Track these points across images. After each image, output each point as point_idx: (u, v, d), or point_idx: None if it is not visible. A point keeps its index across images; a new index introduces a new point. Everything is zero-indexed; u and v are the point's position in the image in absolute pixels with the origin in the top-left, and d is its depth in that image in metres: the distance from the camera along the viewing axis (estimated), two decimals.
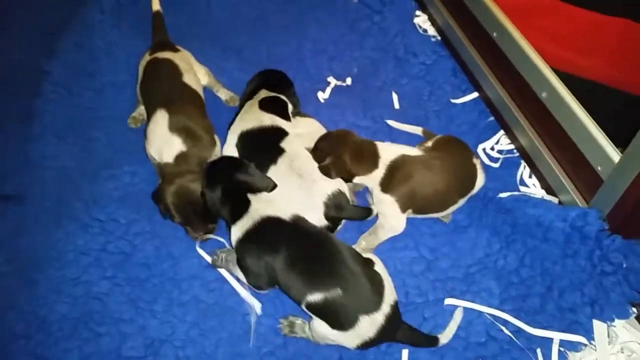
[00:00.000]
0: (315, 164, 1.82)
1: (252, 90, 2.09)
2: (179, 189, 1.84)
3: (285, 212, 1.65)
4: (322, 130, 2.04)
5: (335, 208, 1.77)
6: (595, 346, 1.63)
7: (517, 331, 1.69)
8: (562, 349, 1.65)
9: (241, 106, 2.09)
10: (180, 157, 1.91)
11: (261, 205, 1.66)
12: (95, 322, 1.77)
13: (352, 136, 1.86)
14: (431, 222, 1.94)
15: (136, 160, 2.11)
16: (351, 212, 1.82)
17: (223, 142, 2.02)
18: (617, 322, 1.66)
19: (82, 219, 1.98)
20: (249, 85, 2.15)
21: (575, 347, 1.65)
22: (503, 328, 1.69)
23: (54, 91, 2.40)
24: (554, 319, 1.70)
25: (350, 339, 1.54)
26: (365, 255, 1.64)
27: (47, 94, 2.39)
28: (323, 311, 1.54)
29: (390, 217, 1.82)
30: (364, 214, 1.84)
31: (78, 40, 2.58)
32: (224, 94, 2.34)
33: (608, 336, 1.64)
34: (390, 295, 1.55)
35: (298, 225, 1.64)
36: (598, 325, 1.65)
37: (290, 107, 2.06)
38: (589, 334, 1.65)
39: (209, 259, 1.87)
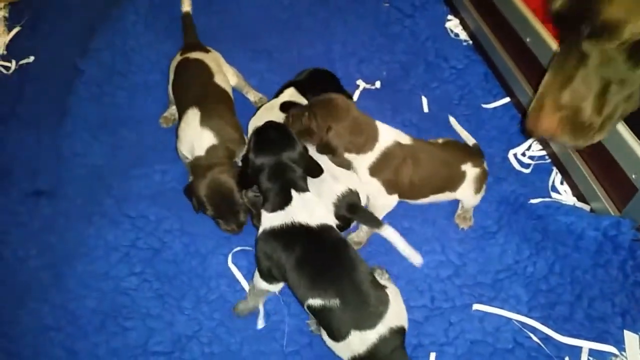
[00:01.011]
0: (324, 166, 1.76)
1: (283, 86, 2.09)
2: (211, 182, 1.85)
3: (316, 219, 1.63)
4: None
5: (347, 208, 1.76)
6: (625, 357, 1.60)
7: (545, 339, 1.67)
8: (591, 358, 1.62)
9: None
10: (212, 150, 1.93)
11: (299, 209, 1.63)
12: (123, 316, 1.79)
13: (354, 110, 1.79)
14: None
15: (167, 159, 2.14)
16: (363, 214, 1.79)
17: None
18: None
19: (113, 215, 2.00)
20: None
21: (604, 357, 1.62)
22: (531, 335, 1.67)
23: (86, 90, 2.44)
24: (582, 328, 1.68)
25: (342, 350, 1.54)
26: (382, 282, 1.61)
27: (80, 93, 2.42)
28: (320, 317, 1.55)
29: (381, 196, 1.83)
30: (375, 223, 1.76)
31: (111, 40, 2.61)
32: (253, 95, 2.36)
33: (639, 347, 1.61)
34: (393, 320, 1.51)
35: (322, 233, 1.62)
36: (629, 336, 1.62)
37: None
38: (619, 344, 1.62)
39: (240, 275, 1.87)
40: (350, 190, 1.77)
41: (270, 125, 1.75)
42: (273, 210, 1.64)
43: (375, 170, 1.79)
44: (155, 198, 2.04)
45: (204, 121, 1.97)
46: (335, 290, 1.51)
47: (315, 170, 1.73)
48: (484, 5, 2.32)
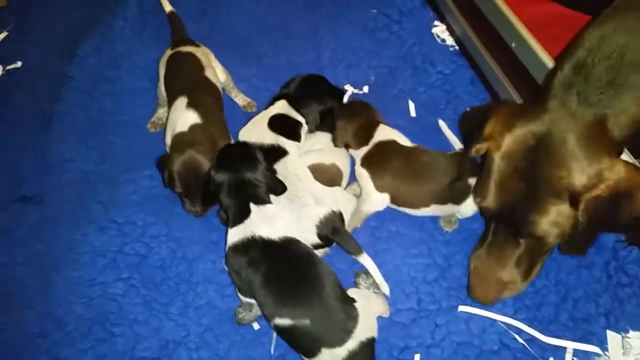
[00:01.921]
0: (307, 187, 1.81)
1: (275, 98, 2.06)
2: (188, 158, 1.84)
3: (278, 232, 1.64)
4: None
5: (330, 231, 1.76)
6: (609, 357, 1.62)
7: (531, 340, 1.68)
8: (575, 359, 1.64)
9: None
10: (195, 128, 1.93)
11: (258, 222, 1.65)
12: (110, 322, 1.79)
13: (369, 113, 2.03)
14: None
15: (155, 164, 2.14)
16: (345, 237, 1.78)
17: None
18: (631, 333, 1.65)
19: (100, 221, 2.00)
20: (282, 88, 2.11)
21: (589, 357, 1.63)
22: (516, 336, 1.68)
23: (74, 95, 2.44)
24: (567, 329, 1.69)
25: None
26: (351, 292, 1.61)
27: (68, 98, 2.42)
28: (288, 336, 1.56)
29: (370, 193, 1.87)
30: (354, 249, 1.77)
31: (99, 46, 2.62)
32: (241, 99, 2.36)
33: (622, 347, 1.62)
34: (363, 333, 1.51)
35: (287, 247, 1.63)
36: (612, 336, 1.64)
37: (305, 127, 2.03)
38: (602, 344, 1.64)
39: None
40: (333, 212, 1.78)
41: (234, 144, 1.81)
42: (234, 224, 1.66)
43: (365, 161, 1.88)
44: (142, 204, 2.04)
45: (191, 105, 1.98)
46: (303, 309, 1.51)
47: (278, 189, 1.75)
48: (470, 11, 2.33)
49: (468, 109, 1.75)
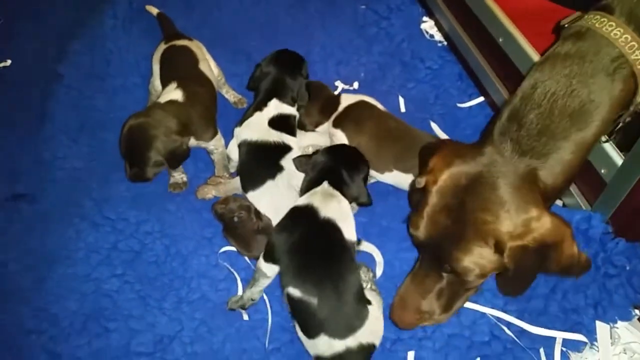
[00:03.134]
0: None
1: (263, 100, 2.04)
2: (137, 124, 1.91)
3: (326, 212, 1.68)
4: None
5: None
6: (597, 347, 1.64)
7: (521, 331, 1.70)
8: (564, 349, 1.66)
9: (252, 88, 2.14)
10: (172, 103, 1.99)
11: (319, 196, 1.72)
12: (105, 318, 1.80)
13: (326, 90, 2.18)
14: None
15: None
16: None
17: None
18: (619, 323, 1.67)
19: (93, 217, 2.01)
20: (262, 78, 2.10)
21: (577, 347, 1.66)
22: (505, 328, 1.70)
23: (66, 93, 2.45)
24: (557, 320, 1.71)
25: (309, 345, 1.59)
26: (369, 295, 1.65)
27: (59, 96, 2.43)
28: (295, 308, 1.59)
29: None
30: None
31: (90, 44, 2.62)
32: (232, 95, 2.38)
33: (611, 337, 1.65)
34: (365, 336, 1.55)
35: (327, 229, 1.67)
36: (601, 327, 1.66)
37: (297, 116, 2.09)
38: (591, 334, 1.66)
39: (233, 272, 1.89)
40: None
41: (342, 146, 1.95)
42: (305, 191, 1.75)
43: (337, 121, 2.02)
44: (135, 200, 2.05)
45: (179, 87, 2.04)
46: (317, 289, 1.54)
47: (366, 201, 1.84)
48: (457, 7, 2.36)
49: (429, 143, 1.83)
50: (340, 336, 1.52)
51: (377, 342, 1.60)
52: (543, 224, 1.35)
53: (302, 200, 1.73)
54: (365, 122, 2.00)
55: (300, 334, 1.61)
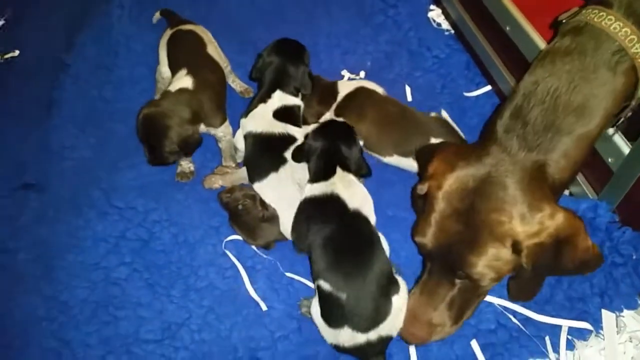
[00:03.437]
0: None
1: (267, 91, 2.03)
2: (152, 113, 1.96)
3: (353, 202, 1.70)
4: None
5: None
6: (603, 335, 1.65)
7: (526, 319, 1.71)
8: (570, 337, 1.67)
9: (255, 79, 2.13)
10: (183, 91, 2.01)
11: (340, 184, 1.73)
12: (114, 306, 1.82)
13: (321, 80, 2.17)
14: None
15: None
16: None
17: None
18: (625, 312, 1.67)
19: (101, 207, 2.03)
20: (264, 68, 2.08)
21: (583, 335, 1.67)
22: (511, 317, 1.71)
23: (73, 83, 2.46)
24: (563, 309, 1.72)
25: (328, 334, 1.60)
26: (398, 277, 1.65)
27: (67, 86, 2.44)
28: (323, 299, 1.60)
29: None
30: None
31: (97, 35, 2.63)
32: (238, 85, 2.38)
33: (616, 326, 1.66)
34: (386, 329, 1.56)
35: (356, 220, 1.69)
36: (607, 315, 1.67)
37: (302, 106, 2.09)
38: (597, 323, 1.67)
39: (235, 261, 1.90)
40: None
41: (337, 121, 1.94)
42: (315, 181, 1.76)
43: (338, 111, 2.04)
44: (143, 189, 2.06)
45: (190, 73, 2.06)
46: (346, 284, 1.55)
47: (364, 169, 1.84)
48: None
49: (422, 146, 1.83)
50: (363, 330, 1.54)
51: (394, 334, 1.61)
52: (557, 220, 1.35)
53: (323, 189, 1.73)
54: (367, 109, 2.02)
55: (319, 320, 1.61)
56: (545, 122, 1.38)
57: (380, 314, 1.55)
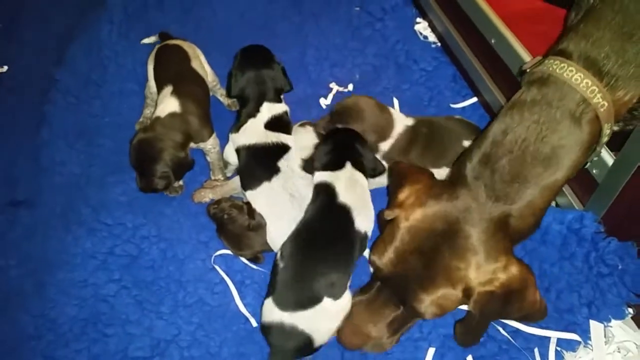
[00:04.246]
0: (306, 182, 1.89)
1: (254, 107, 2.03)
2: (146, 140, 1.98)
3: (346, 198, 1.73)
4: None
5: None
6: (592, 346, 1.66)
7: (515, 331, 1.72)
8: (559, 348, 1.68)
9: (236, 96, 2.13)
10: (173, 116, 2.02)
11: (343, 179, 1.76)
12: (103, 323, 1.82)
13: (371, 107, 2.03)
14: None
15: None
16: None
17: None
18: (613, 322, 1.68)
19: (90, 223, 2.02)
20: (242, 84, 2.07)
21: (572, 346, 1.67)
22: (500, 329, 1.72)
23: (63, 99, 2.46)
24: (551, 320, 1.72)
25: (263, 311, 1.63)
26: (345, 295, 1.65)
27: (57, 102, 2.45)
28: (274, 269, 1.66)
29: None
30: None
31: (87, 50, 2.64)
32: (226, 98, 2.39)
33: (605, 336, 1.66)
34: (304, 322, 1.57)
35: (338, 213, 1.72)
36: (595, 326, 1.67)
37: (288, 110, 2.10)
38: (585, 334, 1.67)
39: (225, 276, 1.91)
40: None
41: (340, 129, 1.95)
42: (324, 169, 1.80)
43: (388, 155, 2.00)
44: (132, 205, 2.06)
45: (174, 93, 2.07)
46: (290, 257, 1.62)
47: (379, 168, 1.88)
48: (450, 8, 2.37)
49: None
50: (281, 306, 1.57)
51: (317, 341, 1.60)
52: (510, 272, 1.40)
53: (324, 178, 1.77)
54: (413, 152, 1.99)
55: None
56: (513, 172, 1.41)
57: (305, 299, 1.57)
